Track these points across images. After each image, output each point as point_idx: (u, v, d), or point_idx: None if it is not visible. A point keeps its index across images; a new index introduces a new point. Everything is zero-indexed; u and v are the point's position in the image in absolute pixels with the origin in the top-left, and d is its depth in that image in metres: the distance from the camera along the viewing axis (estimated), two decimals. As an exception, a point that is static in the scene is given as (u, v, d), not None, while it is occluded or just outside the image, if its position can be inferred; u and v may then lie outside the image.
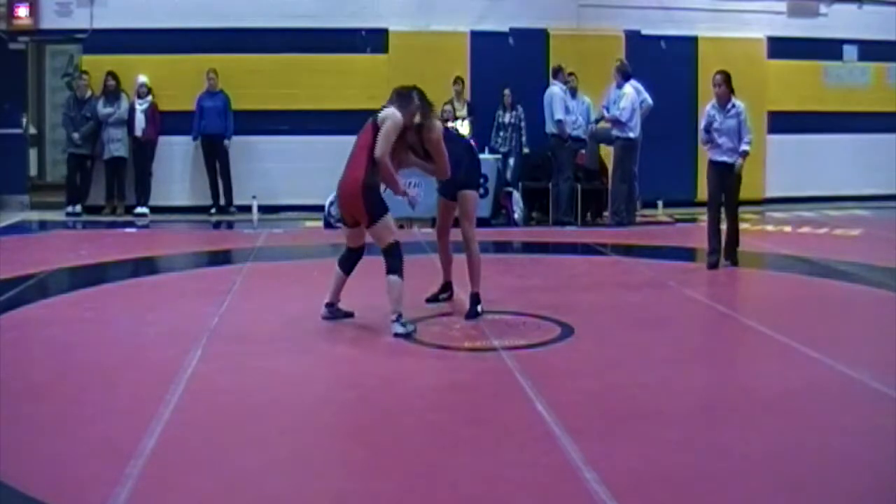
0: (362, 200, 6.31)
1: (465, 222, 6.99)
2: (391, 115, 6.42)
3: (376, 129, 6.38)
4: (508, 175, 12.88)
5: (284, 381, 5.56)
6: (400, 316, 6.34)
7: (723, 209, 8.97)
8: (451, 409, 4.93)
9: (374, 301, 7.05)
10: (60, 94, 15.54)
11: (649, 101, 12.27)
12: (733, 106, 8.80)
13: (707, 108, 9.00)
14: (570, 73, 12.87)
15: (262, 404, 5.03)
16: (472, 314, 6.87)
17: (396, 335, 6.26)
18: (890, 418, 4.68)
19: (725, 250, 8.97)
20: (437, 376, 5.59)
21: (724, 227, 8.98)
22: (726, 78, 8.83)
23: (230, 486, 3.87)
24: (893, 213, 13.23)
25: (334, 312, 6.72)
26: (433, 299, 7.29)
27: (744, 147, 8.77)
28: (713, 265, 8.92)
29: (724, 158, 8.82)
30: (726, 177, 8.84)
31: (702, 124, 9.02)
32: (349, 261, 6.71)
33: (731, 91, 8.83)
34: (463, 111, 12.91)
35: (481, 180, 7.65)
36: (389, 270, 6.37)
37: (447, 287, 7.38)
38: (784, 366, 5.75)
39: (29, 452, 4.15)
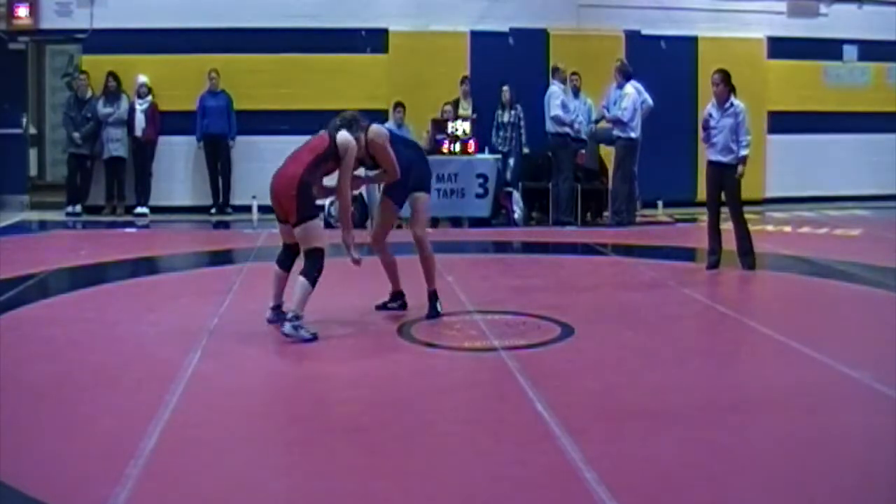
0: (296, 198, 6.11)
1: (418, 223, 6.90)
2: (351, 146, 6.33)
3: (333, 142, 6.29)
4: (508, 175, 12.87)
5: (284, 380, 5.57)
6: (297, 318, 6.08)
7: (727, 212, 8.89)
8: (450, 409, 4.93)
9: (374, 301, 7.04)
10: (60, 94, 15.57)
11: (649, 101, 12.26)
12: (731, 105, 8.77)
13: (707, 106, 9.00)
14: (574, 73, 12.87)
15: (262, 404, 5.04)
16: (434, 313, 6.81)
17: (285, 335, 6.05)
18: (890, 418, 4.68)
19: (739, 255, 8.84)
20: (437, 376, 5.59)
21: (727, 227, 8.93)
22: (724, 77, 8.80)
23: (230, 486, 3.87)
24: (893, 213, 13.23)
25: (279, 315, 6.43)
26: (382, 307, 7.01)
27: (742, 152, 8.69)
28: (713, 265, 8.89)
29: (719, 157, 8.79)
30: (723, 177, 8.80)
31: (701, 123, 9.02)
32: (287, 258, 6.54)
33: (732, 90, 8.80)
34: (469, 110, 12.91)
35: (429, 183, 7.46)
36: (304, 272, 6.14)
37: (398, 296, 7.06)
38: (784, 366, 5.75)
39: (29, 452, 4.14)
